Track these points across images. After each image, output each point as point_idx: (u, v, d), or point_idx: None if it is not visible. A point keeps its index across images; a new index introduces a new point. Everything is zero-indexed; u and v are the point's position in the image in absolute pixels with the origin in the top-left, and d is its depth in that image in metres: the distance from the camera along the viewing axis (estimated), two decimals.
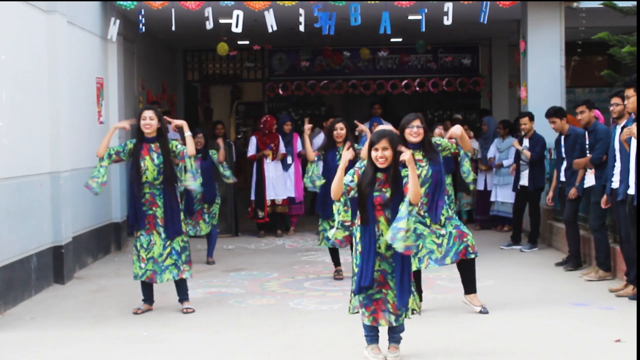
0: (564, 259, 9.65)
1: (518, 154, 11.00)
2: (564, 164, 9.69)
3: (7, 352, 6.29)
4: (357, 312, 5.77)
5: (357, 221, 5.68)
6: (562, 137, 9.73)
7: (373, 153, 5.60)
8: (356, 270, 5.66)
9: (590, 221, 8.83)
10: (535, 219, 10.93)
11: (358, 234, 5.66)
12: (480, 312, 7.17)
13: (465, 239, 7.00)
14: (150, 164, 7.28)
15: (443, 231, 6.97)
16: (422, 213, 6.86)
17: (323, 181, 8.59)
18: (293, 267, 9.75)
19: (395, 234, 5.40)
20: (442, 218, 6.96)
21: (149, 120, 7.30)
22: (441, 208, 6.91)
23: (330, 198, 8.11)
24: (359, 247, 5.64)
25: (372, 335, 5.78)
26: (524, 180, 10.83)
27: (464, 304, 7.30)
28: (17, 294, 7.83)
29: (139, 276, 7.40)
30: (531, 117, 10.87)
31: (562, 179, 9.76)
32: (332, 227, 8.36)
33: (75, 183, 9.46)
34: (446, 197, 7.33)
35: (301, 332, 6.69)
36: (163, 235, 7.34)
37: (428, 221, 6.91)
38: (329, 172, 8.53)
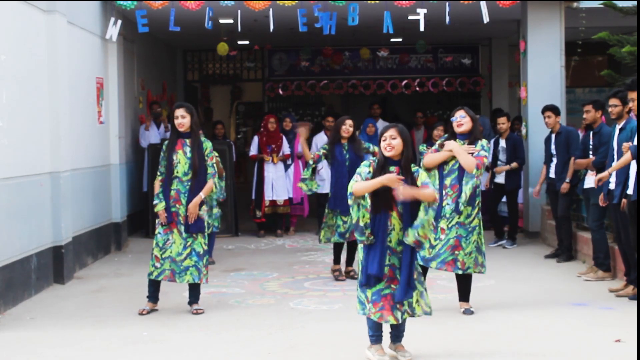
0: (553, 251, 10.03)
1: (495, 153, 11.18)
2: (554, 160, 9.92)
3: (7, 352, 6.29)
4: (369, 314, 5.63)
5: (367, 216, 5.63)
6: (553, 135, 10.00)
7: (382, 143, 5.67)
8: (364, 263, 5.65)
9: (589, 222, 8.89)
10: (514, 216, 11.16)
11: (368, 230, 5.62)
12: (464, 312, 7.21)
13: (457, 252, 7.04)
14: (182, 157, 7.31)
15: (443, 235, 7.02)
16: (449, 201, 6.96)
17: (316, 185, 8.74)
18: (293, 267, 9.75)
19: (416, 230, 5.53)
20: (454, 220, 7.01)
21: (181, 119, 7.33)
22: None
23: (342, 194, 8.32)
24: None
25: (377, 335, 5.76)
26: (501, 179, 11.11)
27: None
28: (17, 294, 7.82)
29: (155, 275, 7.35)
30: (509, 118, 11.23)
31: (551, 175, 9.99)
32: (345, 223, 8.45)
33: (75, 183, 9.46)
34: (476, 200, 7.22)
35: (301, 332, 6.69)
36: (184, 235, 7.33)
37: (447, 213, 6.99)
38: (338, 166, 8.69)
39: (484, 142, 7.14)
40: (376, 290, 5.62)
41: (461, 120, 7.14)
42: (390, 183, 5.49)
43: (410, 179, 5.63)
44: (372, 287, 5.63)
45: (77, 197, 9.63)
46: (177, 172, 7.32)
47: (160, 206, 7.31)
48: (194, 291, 7.50)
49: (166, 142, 7.46)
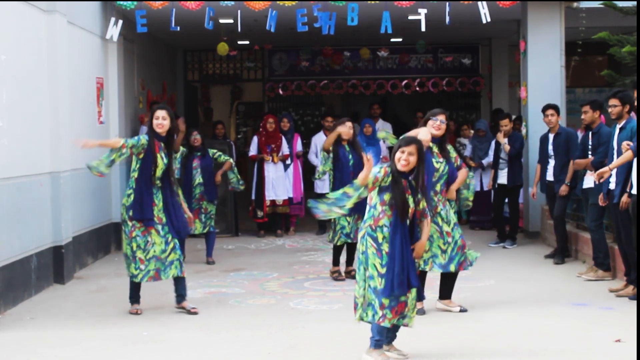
0: (553, 251, 10.01)
1: (497, 153, 11.21)
2: (550, 162, 9.83)
3: (7, 352, 6.29)
4: (383, 320, 5.60)
5: (380, 222, 5.64)
6: (551, 135, 9.90)
7: (398, 154, 5.63)
8: (382, 270, 5.59)
9: (588, 222, 8.88)
10: (515, 215, 11.20)
11: (380, 235, 5.63)
12: (461, 311, 7.26)
13: (465, 251, 7.19)
14: (160, 162, 7.25)
15: (450, 239, 7.09)
16: (438, 210, 7.02)
17: (323, 176, 8.94)
18: (293, 267, 9.75)
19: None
20: (452, 222, 7.14)
21: (162, 120, 7.26)
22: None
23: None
24: (386, 247, 5.61)
25: (383, 339, 5.72)
26: (503, 179, 11.14)
27: (438, 309, 7.38)
28: (17, 294, 7.83)
29: (139, 278, 7.31)
30: (510, 118, 11.31)
31: (549, 177, 9.91)
32: (349, 224, 8.51)
33: (75, 183, 9.46)
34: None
35: (301, 332, 6.69)
36: (162, 232, 7.29)
37: (440, 220, 7.05)
38: (342, 167, 8.75)
39: (449, 146, 7.31)
40: (394, 296, 5.61)
41: (441, 125, 7.13)
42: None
43: (412, 193, 5.68)
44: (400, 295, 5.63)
45: (77, 197, 9.63)
46: (154, 175, 7.25)
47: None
48: (181, 285, 7.46)
49: (144, 137, 7.27)
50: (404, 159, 5.61)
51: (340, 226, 8.69)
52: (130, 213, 7.23)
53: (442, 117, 7.14)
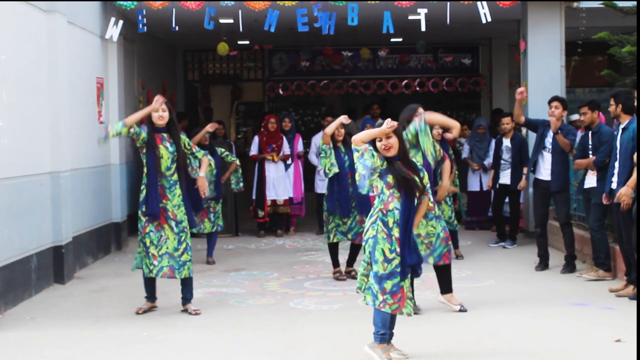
0: (541, 264, 9.53)
1: (497, 153, 11.23)
2: (544, 154, 9.38)
3: (7, 352, 6.29)
4: (383, 306, 5.59)
5: (390, 206, 5.62)
6: (550, 133, 9.47)
7: (378, 144, 5.63)
8: (390, 256, 5.57)
9: (590, 222, 8.86)
10: (516, 216, 11.24)
11: (391, 219, 5.62)
12: (460, 310, 7.25)
13: (448, 243, 7.23)
14: (165, 152, 7.28)
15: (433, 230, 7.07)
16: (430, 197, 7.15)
17: (336, 170, 8.64)
18: (293, 267, 9.75)
19: None
20: (433, 215, 7.06)
21: (162, 112, 7.30)
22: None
23: (344, 196, 8.41)
24: (396, 233, 5.60)
25: (388, 333, 5.70)
26: (505, 179, 11.15)
27: (441, 303, 7.39)
28: (17, 294, 7.83)
29: (155, 273, 7.31)
30: (512, 117, 11.03)
31: (542, 177, 9.44)
32: (344, 224, 8.61)
33: (75, 183, 9.46)
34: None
35: (301, 332, 6.70)
36: (176, 230, 7.31)
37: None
38: (338, 168, 8.65)
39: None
40: (397, 281, 5.60)
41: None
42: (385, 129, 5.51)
43: (413, 172, 5.67)
44: (404, 279, 5.62)
45: (77, 197, 9.63)
46: (159, 168, 7.28)
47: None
48: (189, 287, 7.46)
49: (144, 132, 7.33)
50: (384, 144, 5.62)
51: (335, 224, 8.70)
52: (144, 208, 7.28)
53: (421, 110, 7.07)
